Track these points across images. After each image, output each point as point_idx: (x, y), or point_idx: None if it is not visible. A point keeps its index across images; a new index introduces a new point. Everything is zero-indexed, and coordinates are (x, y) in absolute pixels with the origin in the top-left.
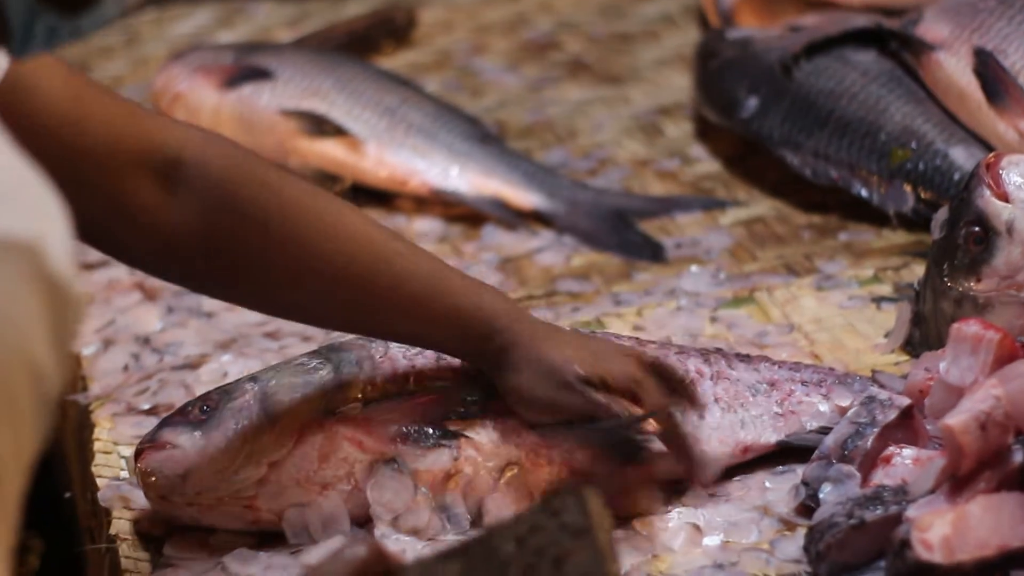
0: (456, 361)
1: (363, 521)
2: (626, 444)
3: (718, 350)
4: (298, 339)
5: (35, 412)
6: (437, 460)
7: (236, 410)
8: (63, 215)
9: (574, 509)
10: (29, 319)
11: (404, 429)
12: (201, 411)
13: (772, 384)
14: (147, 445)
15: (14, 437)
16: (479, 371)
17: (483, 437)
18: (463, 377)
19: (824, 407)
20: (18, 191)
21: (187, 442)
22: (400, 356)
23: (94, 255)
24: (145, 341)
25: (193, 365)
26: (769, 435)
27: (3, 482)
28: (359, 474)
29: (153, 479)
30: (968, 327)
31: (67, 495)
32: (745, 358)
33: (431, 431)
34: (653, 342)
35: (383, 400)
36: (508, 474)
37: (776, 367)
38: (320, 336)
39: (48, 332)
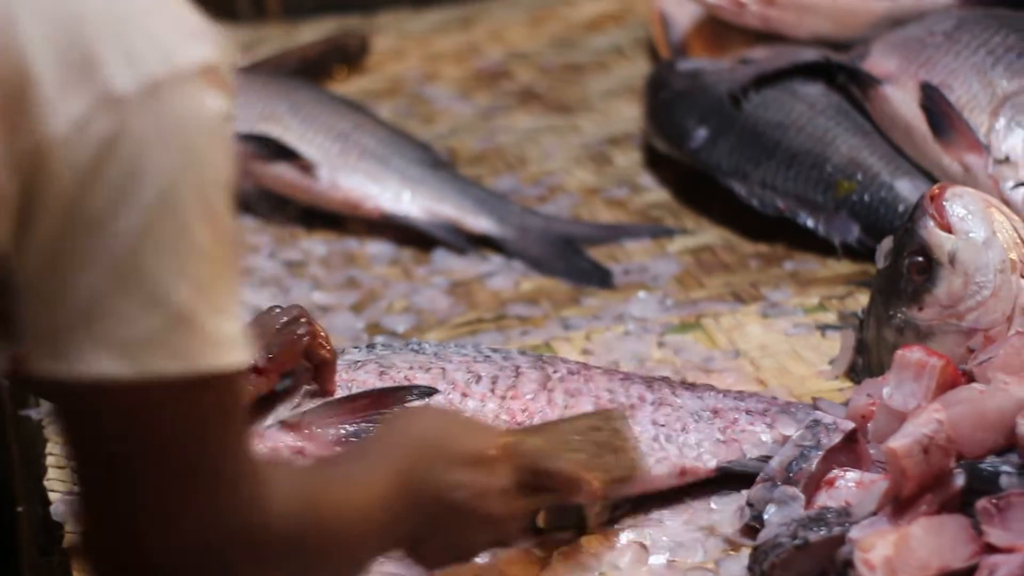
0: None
1: None
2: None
3: (664, 378)
4: None
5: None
6: None
7: None
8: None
9: (621, 422)
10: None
11: (343, 430)
12: None
13: (715, 412)
14: None
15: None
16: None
17: None
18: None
19: (767, 436)
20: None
21: None
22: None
23: None
24: None
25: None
26: (708, 460)
27: None
28: None
29: None
30: (912, 354)
31: (19, 509)
32: (691, 387)
33: (370, 430)
34: (598, 368)
35: (322, 404)
36: None
37: (721, 395)
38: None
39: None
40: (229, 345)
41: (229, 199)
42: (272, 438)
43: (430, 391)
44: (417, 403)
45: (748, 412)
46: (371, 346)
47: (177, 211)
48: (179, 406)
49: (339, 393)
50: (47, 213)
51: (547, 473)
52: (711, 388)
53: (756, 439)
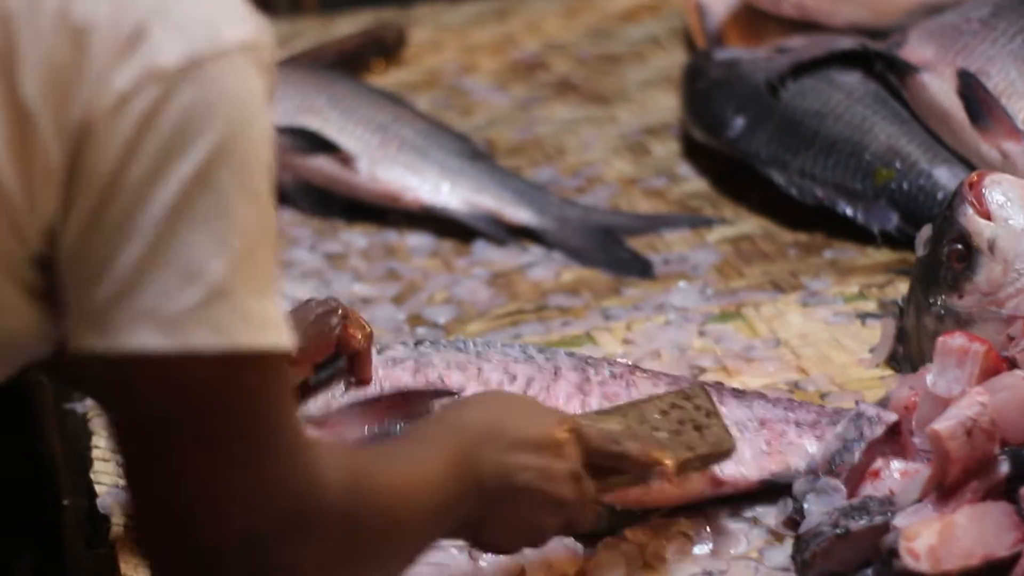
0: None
1: None
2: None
3: (717, 384)
4: None
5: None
6: None
7: None
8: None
9: (704, 397)
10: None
11: (369, 431)
12: None
13: (762, 423)
14: None
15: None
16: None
17: None
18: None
19: (814, 449)
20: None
21: None
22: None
23: None
24: None
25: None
26: (749, 471)
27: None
28: None
29: None
30: (953, 340)
31: (65, 502)
32: (739, 394)
33: (396, 431)
34: (644, 372)
35: (348, 404)
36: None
37: (771, 405)
38: None
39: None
40: (270, 326)
41: (270, 180)
42: None
43: (453, 395)
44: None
45: (797, 424)
46: (418, 343)
47: (217, 186)
48: (220, 383)
49: (371, 390)
50: (89, 187)
51: (617, 455)
52: (761, 396)
53: (803, 452)
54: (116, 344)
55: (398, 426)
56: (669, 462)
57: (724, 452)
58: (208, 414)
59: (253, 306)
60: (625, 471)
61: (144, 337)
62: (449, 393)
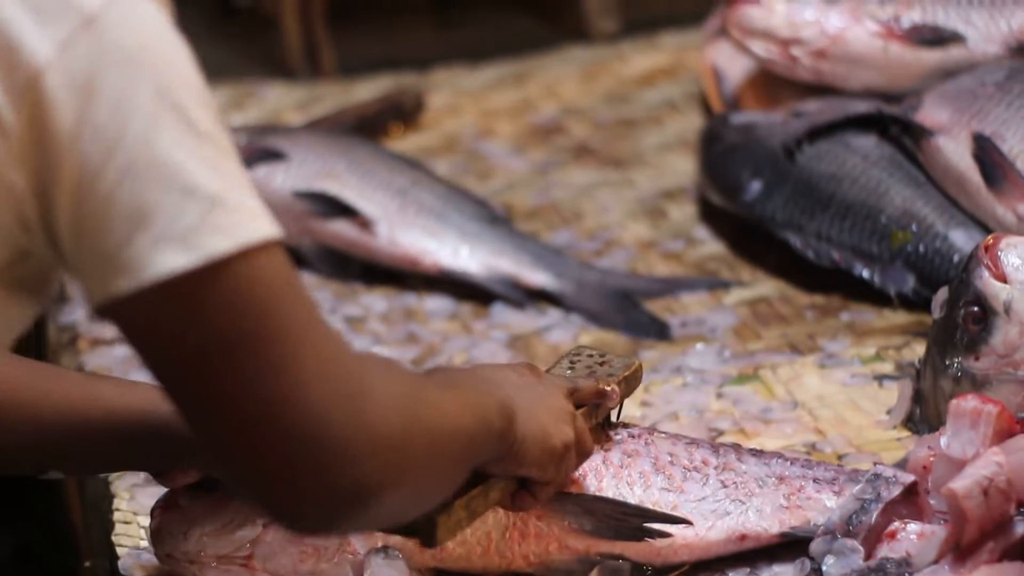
0: None
1: None
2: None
3: (734, 445)
4: None
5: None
6: None
7: None
8: None
9: (589, 349)
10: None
11: None
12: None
13: (781, 479)
14: (160, 504)
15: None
16: None
17: None
18: None
19: (832, 504)
20: None
21: (193, 502)
22: None
23: (111, 331)
24: None
25: None
26: (771, 525)
27: None
28: (352, 537)
29: (161, 536)
30: (966, 402)
31: (87, 564)
32: (758, 453)
33: None
34: (663, 433)
35: None
36: (497, 543)
37: (788, 463)
38: None
39: None
40: (263, 217)
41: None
42: None
43: None
44: None
45: (816, 480)
46: None
47: (175, 102)
48: (247, 283)
49: None
50: (60, 142)
51: (579, 392)
52: (779, 455)
53: (821, 506)
54: (144, 276)
55: None
56: (612, 386)
57: (637, 369)
58: (248, 318)
59: (245, 204)
60: (583, 405)
61: (168, 259)
62: None
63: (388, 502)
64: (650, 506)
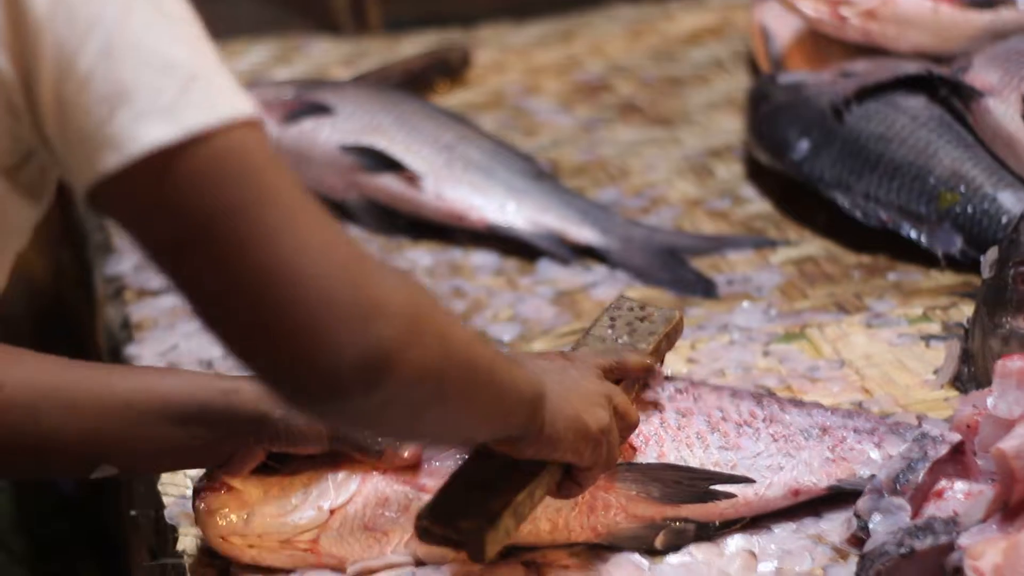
0: None
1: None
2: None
3: (771, 394)
4: None
5: None
6: None
7: (301, 455)
8: None
9: (628, 300)
10: None
11: (456, 458)
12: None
13: (824, 430)
14: (206, 484)
15: None
16: None
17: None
18: None
19: (876, 455)
20: None
21: (248, 484)
22: None
23: (157, 282)
24: (208, 365)
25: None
26: (821, 480)
27: None
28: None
29: (215, 519)
30: (1013, 362)
31: (132, 513)
32: (798, 403)
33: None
34: (705, 385)
35: None
36: (565, 518)
37: (829, 413)
38: None
39: None
40: (239, 94)
41: None
42: (397, 476)
43: None
44: None
45: (856, 431)
46: None
47: None
48: (233, 154)
49: None
50: (36, 24)
51: (619, 367)
52: (818, 405)
53: (866, 457)
54: (129, 150)
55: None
56: (650, 360)
57: (678, 322)
58: (237, 187)
59: (224, 81)
60: (630, 377)
61: (152, 132)
62: None
63: (404, 378)
64: (711, 466)
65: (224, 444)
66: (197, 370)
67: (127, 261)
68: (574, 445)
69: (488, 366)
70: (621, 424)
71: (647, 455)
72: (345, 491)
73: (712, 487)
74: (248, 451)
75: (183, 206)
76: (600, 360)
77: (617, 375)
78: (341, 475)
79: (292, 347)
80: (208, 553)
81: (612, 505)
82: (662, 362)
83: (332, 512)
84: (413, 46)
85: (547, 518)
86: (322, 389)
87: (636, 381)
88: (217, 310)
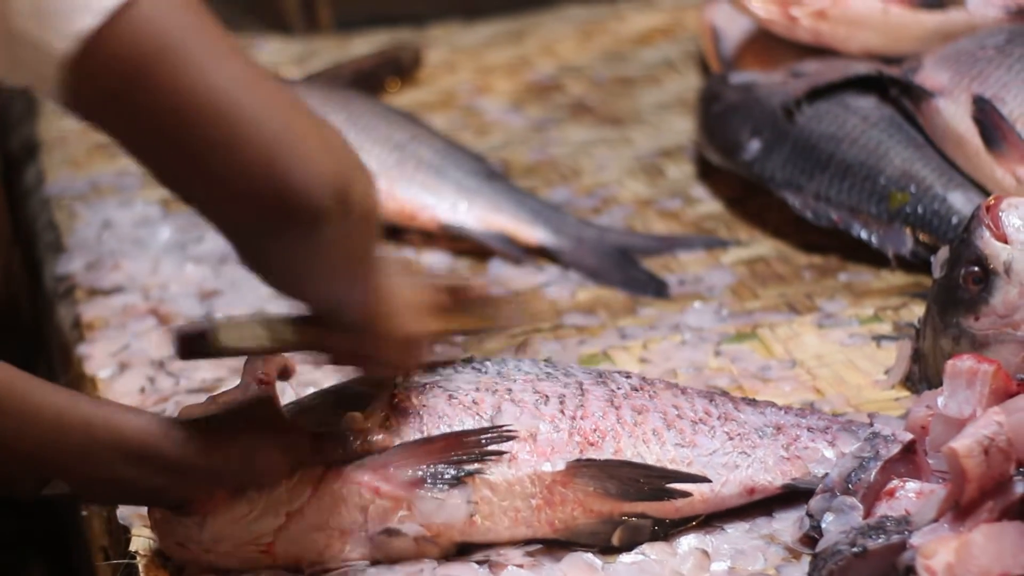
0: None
1: (379, 562)
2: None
3: (724, 393)
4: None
5: None
6: (453, 513)
7: None
8: None
9: None
10: None
11: (419, 472)
12: None
13: (778, 428)
14: None
15: None
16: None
17: (498, 476)
18: (477, 420)
19: (830, 453)
20: None
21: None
22: (412, 398)
23: (108, 281)
24: (160, 365)
25: (208, 390)
26: (776, 478)
27: None
28: (375, 518)
29: (170, 526)
30: (962, 362)
31: (84, 513)
32: (751, 402)
33: (447, 471)
34: (660, 382)
35: (400, 444)
36: (523, 512)
37: (782, 412)
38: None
39: None
40: None
41: None
42: (351, 477)
43: (510, 435)
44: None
45: (809, 429)
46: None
47: None
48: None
49: (413, 421)
50: None
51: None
52: (772, 404)
53: (820, 455)
54: (66, 45)
55: (451, 469)
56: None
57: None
58: (170, 36)
59: None
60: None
61: (85, 21)
62: (501, 434)
63: (364, 201)
64: (668, 463)
65: (174, 491)
66: (155, 414)
67: (78, 260)
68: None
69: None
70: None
71: (604, 450)
72: (300, 495)
73: (669, 485)
74: (209, 498)
75: (126, 80)
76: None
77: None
78: (295, 479)
79: (269, 172)
80: (161, 554)
81: (569, 500)
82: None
83: (288, 516)
84: (364, 46)
85: (503, 512)
86: (300, 214)
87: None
88: (183, 151)
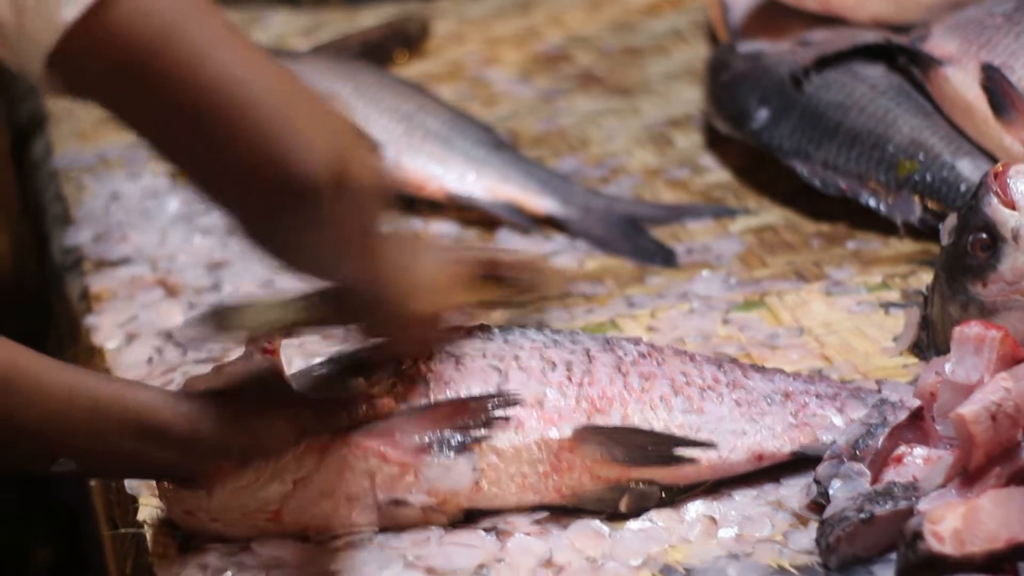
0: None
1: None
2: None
3: (733, 360)
4: (319, 338)
5: None
6: (459, 479)
7: None
8: None
9: None
10: None
11: (427, 438)
12: None
13: (787, 395)
14: None
15: None
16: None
17: (504, 442)
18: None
19: (838, 420)
20: None
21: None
22: (419, 365)
23: (116, 253)
24: (168, 336)
25: (216, 360)
26: (784, 445)
27: None
28: (382, 485)
29: (177, 495)
30: (970, 328)
31: (92, 483)
32: (760, 369)
33: (454, 437)
34: (668, 349)
35: (407, 410)
36: (530, 479)
37: (791, 379)
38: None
39: None
40: None
41: None
42: (357, 444)
43: (516, 400)
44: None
45: (818, 396)
46: None
47: None
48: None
49: (419, 387)
50: None
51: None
52: (780, 371)
53: (828, 422)
54: (57, 34)
55: (457, 435)
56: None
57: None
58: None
59: None
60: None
61: (69, 12)
62: (507, 399)
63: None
64: (675, 429)
65: (182, 465)
66: (161, 388)
67: (86, 232)
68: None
69: None
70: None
71: (611, 416)
72: (307, 462)
73: (676, 451)
74: (217, 471)
75: (120, 56)
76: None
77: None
78: (302, 446)
79: (268, 153)
80: (169, 524)
81: (576, 466)
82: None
83: (295, 483)
84: (371, 17)
85: (510, 478)
86: (299, 194)
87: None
88: (188, 135)
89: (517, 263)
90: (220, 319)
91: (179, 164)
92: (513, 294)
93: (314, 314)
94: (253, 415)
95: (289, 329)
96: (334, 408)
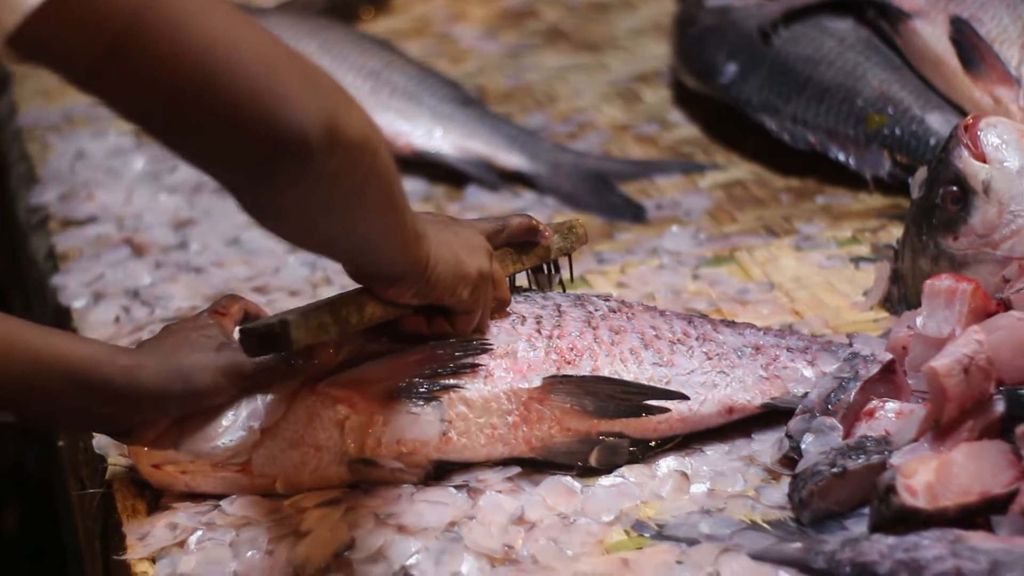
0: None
1: (355, 482)
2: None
3: (703, 315)
4: (285, 293)
5: None
6: (428, 428)
7: None
8: None
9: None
10: None
11: (395, 385)
12: None
13: (757, 349)
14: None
15: None
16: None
17: (474, 393)
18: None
19: (809, 373)
20: None
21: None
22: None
23: (82, 212)
24: (135, 294)
25: (182, 318)
26: (754, 397)
27: None
28: (350, 434)
29: (146, 449)
30: (941, 282)
31: (60, 443)
32: (730, 323)
33: (421, 386)
34: (638, 305)
35: (374, 358)
36: (500, 429)
37: (761, 333)
38: (307, 289)
39: None
40: None
41: None
42: (325, 392)
43: (484, 348)
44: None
45: (789, 349)
46: None
47: None
48: None
49: (388, 337)
50: None
51: (507, 230)
52: (750, 325)
53: (799, 375)
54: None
55: (425, 384)
56: (541, 224)
57: (576, 224)
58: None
59: None
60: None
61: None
62: (476, 348)
63: (352, 140)
64: (645, 381)
65: (123, 417)
66: (102, 342)
67: (51, 191)
68: (453, 287)
69: (398, 181)
70: (496, 290)
71: (581, 368)
72: (275, 410)
73: (646, 402)
74: (153, 425)
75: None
76: (483, 224)
77: (504, 239)
78: (271, 396)
79: (257, 113)
80: (138, 483)
81: (546, 417)
82: (570, 264)
83: (263, 432)
84: None
85: (479, 429)
86: (290, 150)
87: (525, 249)
88: (175, 107)
89: (543, 228)
90: (272, 342)
91: (164, 137)
92: (544, 257)
93: (365, 315)
94: (190, 367)
95: (343, 335)
96: (277, 361)
